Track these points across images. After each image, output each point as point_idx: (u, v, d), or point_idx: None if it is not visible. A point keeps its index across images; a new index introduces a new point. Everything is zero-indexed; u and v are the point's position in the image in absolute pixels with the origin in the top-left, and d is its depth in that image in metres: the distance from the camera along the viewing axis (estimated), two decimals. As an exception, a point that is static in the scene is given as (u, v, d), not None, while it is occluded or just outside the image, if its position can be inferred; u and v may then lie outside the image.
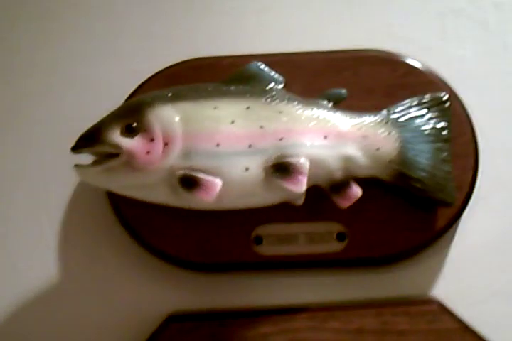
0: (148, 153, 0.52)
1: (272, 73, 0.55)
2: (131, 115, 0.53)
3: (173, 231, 0.58)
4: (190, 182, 0.52)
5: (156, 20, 0.63)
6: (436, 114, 0.57)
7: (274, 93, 0.54)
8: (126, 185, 0.54)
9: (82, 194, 0.62)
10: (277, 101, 0.54)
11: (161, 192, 0.53)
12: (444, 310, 0.58)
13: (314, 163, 0.53)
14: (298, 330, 0.58)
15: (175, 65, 0.60)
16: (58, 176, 0.61)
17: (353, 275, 0.60)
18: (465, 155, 0.58)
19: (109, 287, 0.61)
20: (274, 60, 0.55)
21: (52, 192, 0.62)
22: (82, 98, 0.63)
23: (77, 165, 0.53)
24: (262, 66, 0.55)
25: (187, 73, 0.59)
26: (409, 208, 0.57)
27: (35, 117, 0.63)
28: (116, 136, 0.53)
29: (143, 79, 0.60)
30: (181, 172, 0.52)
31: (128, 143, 0.52)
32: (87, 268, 0.61)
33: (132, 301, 0.61)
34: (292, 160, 0.52)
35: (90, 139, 0.53)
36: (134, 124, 0.53)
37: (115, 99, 0.59)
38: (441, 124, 0.57)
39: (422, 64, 0.60)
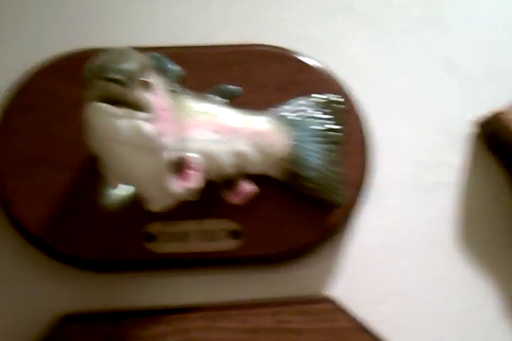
0: (163, 122, 0.49)
1: (172, 65, 0.54)
2: (145, 70, 0.48)
3: (66, 229, 0.57)
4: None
5: (45, 7, 0.62)
6: (328, 114, 0.57)
7: (169, 86, 0.53)
8: (128, 141, 0.47)
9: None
10: (170, 93, 0.52)
11: (146, 163, 0.49)
12: (338, 309, 0.58)
13: (206, 157, 0.52)
14: (192, 330, 0.57)
15: (62, 56, 0.59)
16: None
17: (249, 274, 0.60)
18: (357, 153, 0.58)
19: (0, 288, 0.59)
20: (164, 53, 0.54)
21: None
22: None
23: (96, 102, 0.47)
24: (163, 57, 0.54)
25: (73, 64, 0.58)
26: (303, 206, 0.57)
27: None
28: (144, 91, 0.48)
29: (27, 69, 0.59)
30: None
31: (153, 101, 0.48)
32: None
33: (25, 302, 0.59)
34: (184, 154, 0.52)
35: (129, 79, 0.46)
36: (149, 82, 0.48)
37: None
38: (333, 125, 0.57)
39: (315, 61, 0.60)
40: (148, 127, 0.47)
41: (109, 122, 0.46)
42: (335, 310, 0.58)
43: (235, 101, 0.55)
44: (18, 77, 0.59)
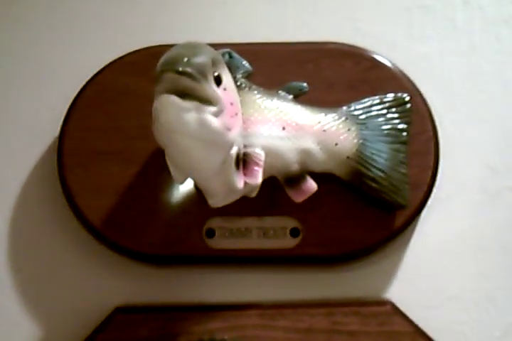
0: (231, 117, 0.48)
1: (242, 61, 0.54)
2: (215, 65, 0.48)
3: (126, 222, 0.57)
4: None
5: (117, 7, 0.63)
6: (396, 114, 0.57)
7: (238, 82, 0.53)
8: (195, 136, 0.47)
9: (34, 182, 0.61)
10: (238, 89, 0.52)
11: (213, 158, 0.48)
12: (396, 312, 0.57)
13: (271, 153, 0.52)
14: (247, 327, 0.57)
15: (134, 52, 0.60)
16: (10, 165, 0.61)
17: (306, 273, 0.59)
18: (425, 154, 0.57)
19: (58, 277, 0.60)
20: (236, 50, 0.54)
21: (4, 181, 0.61)
22: (40, 84, 0.62)
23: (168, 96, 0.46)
24: (233, 53, 0.54)
25: (147, 61, 0.58)
26: (365, 206, 0.57)
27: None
28: (214, 85, 0.48)
29: (102, 66, 0.60)
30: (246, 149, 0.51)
31: (222, 96, 0.48)
32: (37, 258, 0.60)
33: (81, 291, 0.60)
34: (249, 150, 0.51)
35: (200, 73, 0.46)
36: (219, 76, 0.48)
37: (73, 86, 0.59)
38: (401, 125, 0.56)
39: (386, 59, 0.59)
40: (215, 121, 0.47)
41: (177, 115, 0.46)
42: (392, 313, 0.57)
43: (304, 98, 0.55)
44: (92, 73, 0.60)
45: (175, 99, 0.46)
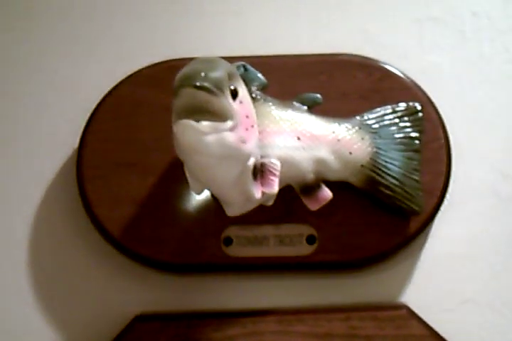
0: (247, 129, 0.49)
1: (257, 74, 0.54)
2: (231, 79, 0.49)
3: (145, 232, 0.58)
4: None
5: (135, 21, 0.64)
6: (408, 123, 0.57)
7: (253, 94, 0.54)
8: (215, 154, 0.47)
9: (54, 193, 0.61)
10: (253, 101, 0.53)
11: (230, 171, 0.49)
12: (412, 316, 0.58)
13: (286, 163, 0.53)
14: (265, 333, 0.57)
15: (152, 66, 0.61)
16: (31, 176, 0.61)
17: (323, 279, 0.60)
18: (438, 161, 0.58)
19: (78, 285, 0.61)
20: (250, 63, 0.54)
21: (24, 191, 0.61)
22: (60, 96, 0.63)
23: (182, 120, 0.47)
24: (248, 66, 0.54)
25: (164, 74, 0.59)
26: (380, 212, 0.57)
27: (9, 117, 0.62)
28: (230, 99, 0.48)
29: (120, 79, 0.60)
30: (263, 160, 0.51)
31: (237, 109, 0.48)
32: (56, 266, 0.61)
33: (100, 300, 0.60)
34: (265, 160, 0.52)
35: (217, 87, 0.46)
36: (235, 90, 0.49)
37: (92, 98, 0.60)
38: (413, 134, 0.57)
39: (398, 69, 0.60)
40: (231, 137, 0.47)
41: (197, 138, 0.47)
42: (408, 317, 0.58)
43: (318, 108, 0.56)
44: (111, 86, 0.60)
45: (193, 124, 0.46)
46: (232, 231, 0.58)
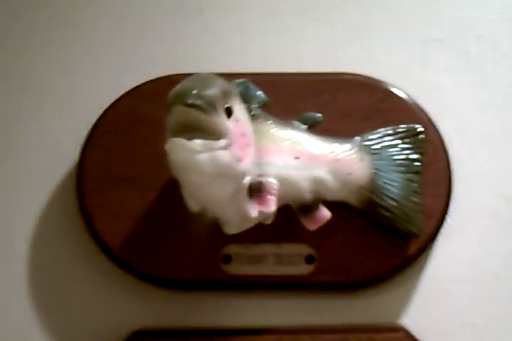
0: (242, 148, 0.49)
1: (257, 91, 0.54)
2: (226, 97, 0.48)
3: (145, 247, 0.58)
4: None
5: (138, 36, 0.64)
6: (409, 144, 0.57)
7: (252, 112, 0.53)
8: (208, 173, 0.47)
9: (54, 207, 0.62)
10: (252, 119, 0.53)
11: (224, 188, 0.49)
12: (410, 339, 0.58)
13: (284, 182, 0.53)
14: (263, 352, 0.57)
15: (154, 80, 0.61)
16: (31, 189, 0.62)
17: (321, 299, 0.60)
18: (438, 183, 0.58)
19: (77, 300, 0.61)
20: (253, 80, 0.55)
21: (24, 205, 0.61)
22: (61, 110, 0.63)
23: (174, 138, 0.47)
24: (248, 83, 0.54)
25: (166, 89, 0.58)
26: (379, 234, 0.57)
27: (10, 130, 0.63)
28: (224, 117, 0.48)
29: (121, 93, 0.60)
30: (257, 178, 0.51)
31: (231, 127, 0.48)
32: (55, 281, 0.61)
33: (99, 315, 0.60)
34: (262, 179, 0.52)
35: (210, 105, 0.46)
36: (230, 108, 0.48)
37: (93, 112, 0.60)
38: (414, 155, 0.57)
39: (401, 90, 0.60)
40: (225, 156, 0.47)
41: (189, 156, 0.47)
42: (406, 339, 0.57)
43: (319, 127, 0.56)
44: (112, 100, 0.60)
45: (185, 142, 0.46)
46: (231, 249, 0.58)
